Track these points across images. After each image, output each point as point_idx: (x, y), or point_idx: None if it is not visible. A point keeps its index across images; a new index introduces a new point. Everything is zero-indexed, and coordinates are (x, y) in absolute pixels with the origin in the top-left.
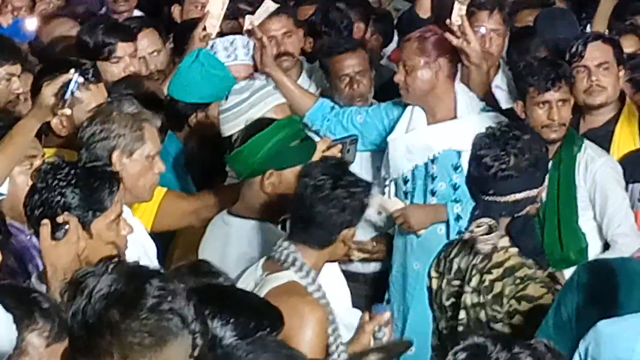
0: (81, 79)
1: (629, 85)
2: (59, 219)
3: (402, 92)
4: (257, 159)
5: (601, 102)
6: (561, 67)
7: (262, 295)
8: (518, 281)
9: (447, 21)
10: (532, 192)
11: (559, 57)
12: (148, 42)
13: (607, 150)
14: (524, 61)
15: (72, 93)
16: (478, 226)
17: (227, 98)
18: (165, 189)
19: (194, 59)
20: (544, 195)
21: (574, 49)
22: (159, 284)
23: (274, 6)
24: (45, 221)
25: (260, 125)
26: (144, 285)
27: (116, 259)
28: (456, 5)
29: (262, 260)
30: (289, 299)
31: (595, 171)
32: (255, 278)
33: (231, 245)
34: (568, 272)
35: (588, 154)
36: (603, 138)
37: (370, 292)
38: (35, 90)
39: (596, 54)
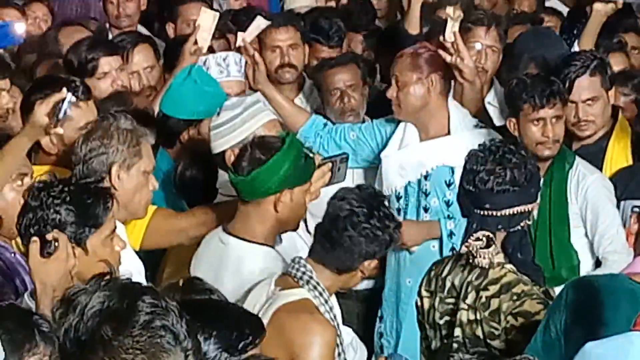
0: (74, 99)
1: (631, 106)
2: (49, 236)
3: (394, 108)
4: (275, 181)
5: (589, 134)
6: (554, 83)
7: (273, 309)
8: (515, 297)
9: (440, 37)
10: (528, 207)
11: (549, 74)
12: (142, 58)
13: (600, 166)
14: (516, 78)
15: (65, 112)
16: (477, 239)
17: (218, 114)
18: (155, 207)
19: (187, 76)
20: (535, 212)
21: (562, 81)
22: (152, 301)
23: (265, 23)
24: (35, 238)
25: (267, 147)
26: (136, 302)
27: (108, 276)
28: (449, 22)
29: (275, 275)
30: (301, 315)
31: (587, 188)
32: (267, 292)
33: (228, 266)
34: (559, 290)
35: (580, 171)
36: (595, 154)
37: (362, 309)
38: (26, 107)
39: (583, 89)
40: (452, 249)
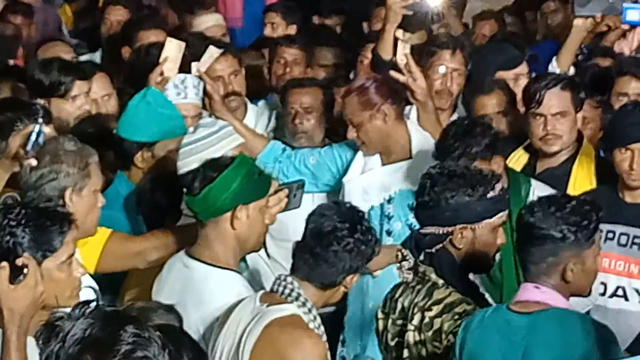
0: (47, 129)
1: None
2: (18, 262)
3: (359, 147)
4: (227, 197)
5: (556, 150)
6: (492, 136)
7: (263, 325)
8: (457, 317)
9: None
10: (440, 230)
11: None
12: (100, 86)
13: (564, 190)
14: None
15: (37, 143)
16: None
17: (195, 130)
18: (110, 230)
19: (142, 98)
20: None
21: (532, 94)
22: (134, 331)
23: (217, 52)
24: (4, 264)
25: (217, 165)
26: (119, 331)
27: (94, 303)
28: (400, 45)
29: (259, 293)
30: (294, 330)
31: None
32: (251, 310)
33: (191, 289)
34: None
35: (537, 195)
36: (560, 178)
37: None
38: None
39: (553, 102)
40: None
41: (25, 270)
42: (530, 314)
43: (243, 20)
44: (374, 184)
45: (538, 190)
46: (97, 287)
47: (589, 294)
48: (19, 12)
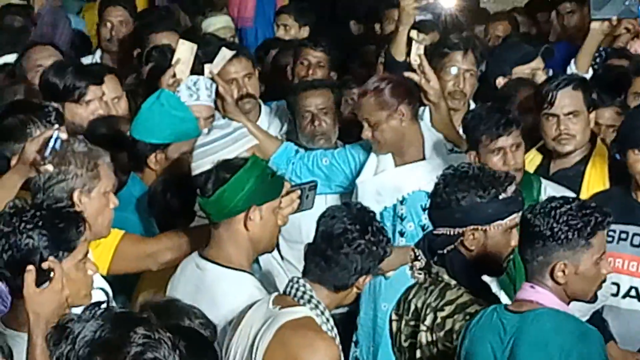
0: (64, 136)
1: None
2: (44, 265)
3: (374, 146)
4: (240, 198)
5: (569, 150)
6: (509, 112)
7: (276, 327)
8: (468, 317)
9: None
10: (451, 231)
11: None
12: (111, 88)
13: (578, 191)
14: (471, 112)
15: (55, 149)
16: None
17: (209, 131)
18: (122, 232)
19: (155, 100)
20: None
21: (544, 95)
22: (144, 332)
23: (230, 53)
24: (30, 267)
25: (230, 166)
26: (129, 333)
27: (105, 305)
28: (414, 45)
29: (272, 295)
30: (307, 333)
31: None
32: (264, 312)
33: (204, 291)
34: None
35: (548, 193)
36: (573, 179)
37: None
38: None
39: (566, 102)
40: None
41: (51, 274)
42: (521, 313)
43: (254, 20)
44: (387, 185)
45: (550, 189)
46: (109, 289)
47: (594, 299)
48: (17, 14)
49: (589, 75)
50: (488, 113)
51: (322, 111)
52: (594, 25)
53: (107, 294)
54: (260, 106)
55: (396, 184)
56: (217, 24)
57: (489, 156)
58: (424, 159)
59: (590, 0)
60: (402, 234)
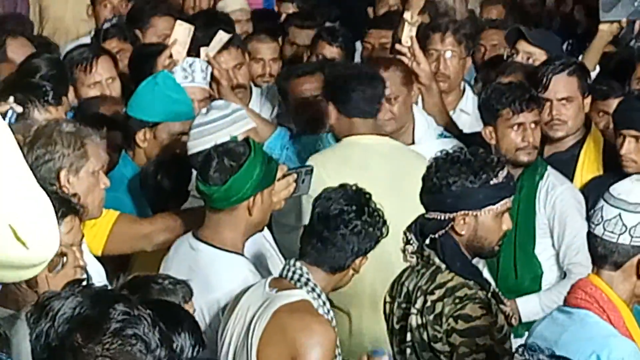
0: (19, 109)
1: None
2: (57, 250)
3: (387, 123)
4: (249, 186)
5: (561, 136)
6: (531, 89)
7: (272, 310)
8: (457, 301)
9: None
10: (441, 215)
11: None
12: (105, 68)
13: (571, 175)
14: (491, 86)
15: (10, 123)
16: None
17: (208, 111)
18: (117, 213)
19: (152, 79)
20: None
21: (539, 79)
22: (124, 309)
23: (227, 36)
24: None
25: (236, 153)
26: (108, 310)
27: (84, 282)
28: (406, 27)
29: (269, 279)
30: (304, 316)
31: (556, 199)
32: (260, 295)
33: (199, 273)
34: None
35: (550, 182)
36: (567, 163)
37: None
38: None
39: (559, 87)
40: None
41: (64, 259)
42: None
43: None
44: None
45: (552, 176)
46: (102, 270)
47: None
48: None
49: (594, 74)
50: (510, 88)
51: (317, 97)
52: (603, 27)
53: (86, 272)
54: (251, 88)
55: None
56: (232, 5)
57: (507, 131)
58: (413, 143)
59: (600, 2)
60: None
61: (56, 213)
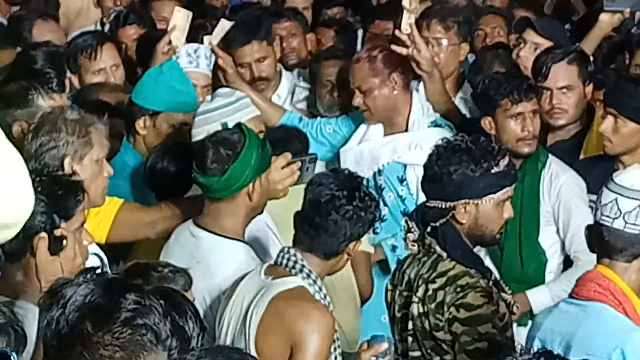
0: None
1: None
2: (57, 233)
3: (365, 115)
4: (248, 173)
5: (562, 124)
6: (529, 79)
7: (269, 298)
8: (459, 289)
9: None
10: (442, 204)
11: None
12: (109, 56)
13: (575, 162)
14: (489, 76)
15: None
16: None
17: (213, 99)
18: (121, 200)
19: (159, 67)
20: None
21: (539, 67)
22: (135, 298)
23: (229, 24)
24: (43, 235)
25: (231, 142)
26: (119, 299)
27: (98, 270)
28: (405, 14)
29: (264, 266)
30: (301, 303)
31: (560, 187)
32: (256, 283)
33: (199, 260)
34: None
35: (553, 170)
36: (571, 151)
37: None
38: None
39: (559, 76)
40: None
41: (64, 242)
42: None
43: None
44: (366, 156)
45: (555, 164)
46: (104, 256)
47: None
48: None
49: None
50: (508, 78)
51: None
52: (604, 17)
53: (101, 259)
54: (281, 71)
55: (374, 155)
56: None
57: (507, 121)
58: (406, 130)
59: None
60: (384, 203)
61: (76, 194)
